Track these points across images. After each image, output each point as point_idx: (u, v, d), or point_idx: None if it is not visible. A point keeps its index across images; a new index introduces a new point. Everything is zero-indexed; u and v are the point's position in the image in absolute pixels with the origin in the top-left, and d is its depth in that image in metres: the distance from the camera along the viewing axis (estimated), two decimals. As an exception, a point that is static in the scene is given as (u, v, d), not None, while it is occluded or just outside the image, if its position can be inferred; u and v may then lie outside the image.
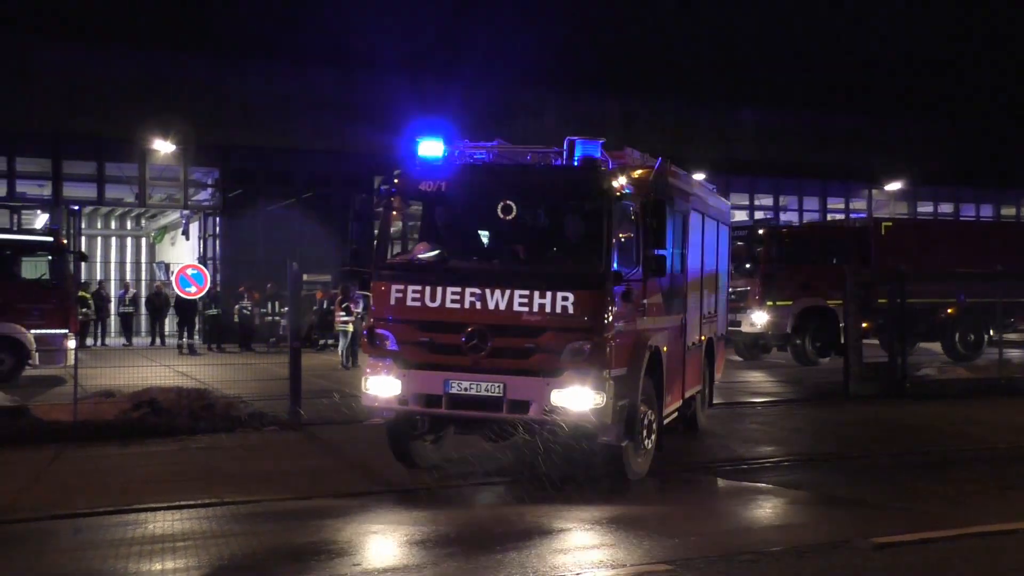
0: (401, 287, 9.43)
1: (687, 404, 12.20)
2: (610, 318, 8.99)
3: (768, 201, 40.91)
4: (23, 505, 8.65)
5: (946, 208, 44.96)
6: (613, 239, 9.12)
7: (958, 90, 47.78)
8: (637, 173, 9.90)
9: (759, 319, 23.53)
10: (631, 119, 36.04)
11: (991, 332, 24.09)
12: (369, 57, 34.58)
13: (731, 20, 40.90)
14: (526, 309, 9.02)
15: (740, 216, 38.92)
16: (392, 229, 10.79)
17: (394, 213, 10.11)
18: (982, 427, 13.93)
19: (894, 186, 41.46)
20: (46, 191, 31.00)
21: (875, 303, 22.44)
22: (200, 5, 38.87)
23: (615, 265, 9.08)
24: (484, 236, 10.74)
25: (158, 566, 6.89)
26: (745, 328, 23.77)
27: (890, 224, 25.84)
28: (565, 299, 8.92)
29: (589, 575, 6.62)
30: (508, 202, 9.40)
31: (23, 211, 31.51)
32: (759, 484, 9.97)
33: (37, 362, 18.45)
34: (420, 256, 10.01)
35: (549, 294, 8.97)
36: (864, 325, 22.41)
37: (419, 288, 9.33)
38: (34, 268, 19.34)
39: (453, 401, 9.22)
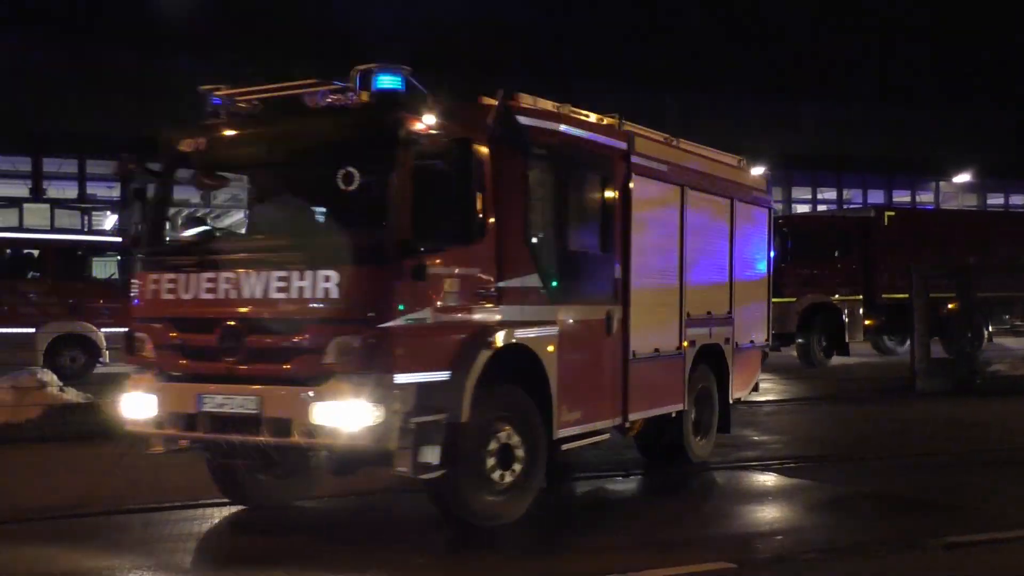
0: (156, 276, 7.55)
1: (660, 427, 9.96)
2: (398, 303, 6.71)
3: (831, 195, 40.37)
4: (96, 498, 8.80)
5: (1017, 200, 43.95)
6: (406, 196, 6.81)
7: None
8: (465, 113, 7.51)
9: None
10: (691, 113, 35.71)
11: (990, 327, 23.46)
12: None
13: (791, 11, 40.20)
14: (283, 296, 6.99)
15: (802, 210, 38.46)
16: (161, 203, 8.27)
17: (160, 184, 8.05)
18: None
19: (962, 178, 40.59)
20: (115, 193, 31.53)
21: (880, 299, 22.50)
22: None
23: (415, 232, 6.79)
24: (258, 205, 8.77)
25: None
26: None
27: (893, 214, 24.74)
28: (327, 279, 6.80)
29: (652, 573, 6.53)
30: (276, 158, 7.56)
31: (93, 212, 32.09)
32: (824, 482, 9.81)
33: (107, 360, 18.79)
34: (180, 236, 8.23)
35: (310, 275, 6.87)
36: (868, 322, 22.41)
37: (173, 277, 7.41)
38: (104, 268, 19.68)
39: (211, 421, 7.13)
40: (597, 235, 8.81)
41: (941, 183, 41.70)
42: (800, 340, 22.22)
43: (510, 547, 7.35)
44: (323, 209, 7.96)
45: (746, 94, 37.06)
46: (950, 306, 22.09)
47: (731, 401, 11.03)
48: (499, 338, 7.36)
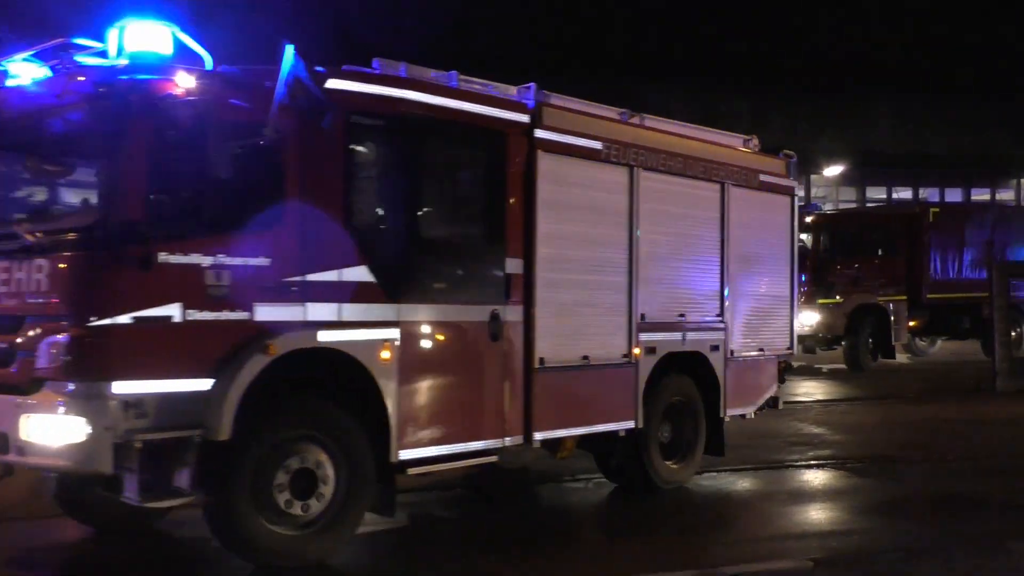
0: None
1: (611, 447, 8.48)
2: (117, 297, 5.56)
3: (907, 195, 39.55)
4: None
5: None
6: (132, 174, 5.63)
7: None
8: (245, 80, 6.18)
9: (809, 319, 20.60)
10: (762, 115, 35.33)
11: None
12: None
13: (859, 8, 39.53)
14: (3, 289, 5.99)
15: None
16: None
17: None
18: None
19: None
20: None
21: (925, 299, 21.61)
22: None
23: (147, 214, 5.63)
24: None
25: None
26: None
27: (938, 211, 23.35)
28: (40, 269, 5.76)
29: (732, 570, 6.52)
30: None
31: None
32: (904, 483, 9.68)
33: None
34: None
35: (26, 264, 5.84)
36: (912, 323, 21.55)
37: None
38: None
39: None
40: (477, 222, 7.40)
41: (1022, 180, 40.60)
42: (846, 343, 21.21)
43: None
44: (53, 189, 6.87)
45: (817, 94, 36.40)
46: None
47: (724, 418, 9.24)
48: (280, 342, 5.94)
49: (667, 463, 8.75)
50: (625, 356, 8.22)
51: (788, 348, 10.17)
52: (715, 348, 9.07)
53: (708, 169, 9.10)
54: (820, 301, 20.55)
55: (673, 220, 8.73)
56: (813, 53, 38.56)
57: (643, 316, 8.30)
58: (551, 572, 6.58)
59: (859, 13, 39.92)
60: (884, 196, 39.04)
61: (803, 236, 20.81)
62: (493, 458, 7.34)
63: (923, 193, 39.76)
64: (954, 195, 39.80)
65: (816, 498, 9.13)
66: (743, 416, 9.68)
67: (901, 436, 12.55)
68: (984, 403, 15.89)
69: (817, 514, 8.49)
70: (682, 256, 8.85)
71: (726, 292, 9.21)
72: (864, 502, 8.78)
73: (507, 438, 7.32)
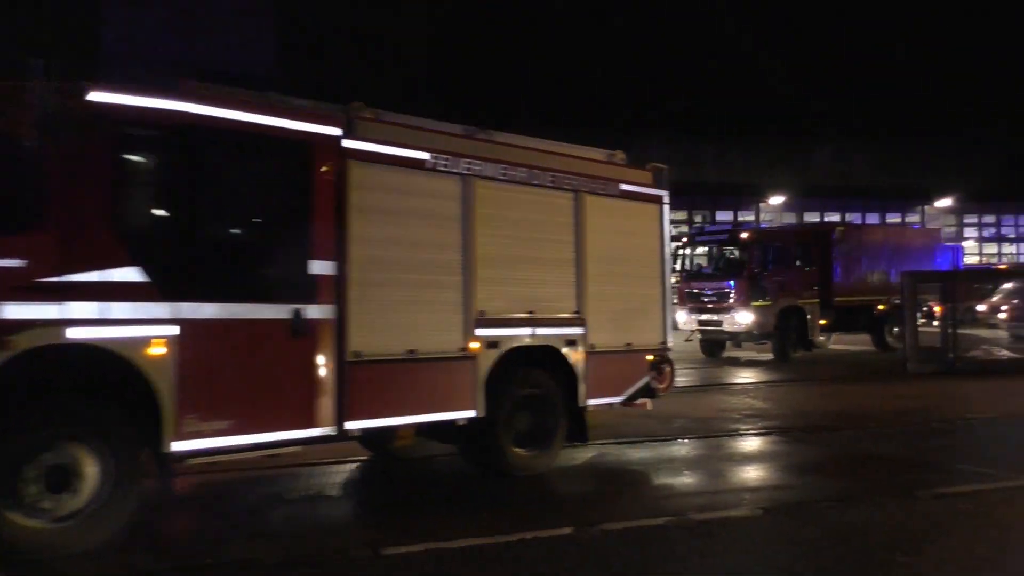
0: None
1: (458, 435, 7.58)
2: None
3: (836, 218, 39.25)
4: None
5: (989, 219, 42.23)
6: None
7: (1001, 115, 44.93)
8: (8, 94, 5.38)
9: (745, 318, 20.02)
10: (722, 156, 35.23)
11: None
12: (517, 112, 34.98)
13: (800, 66, 39.39)
14: None
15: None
16: None
17: None
18: (1021, 397, 13.00)
19: (944, 203, 39.21)
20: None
21: (832, 302, 21.23)
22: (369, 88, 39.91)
23: None
24: None
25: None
26: (728, 327, 20.33)
27: (843, 229, 23.12)
28: None
29: (698, 516, 6.44)
30: None
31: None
32: (832, 445, 9.56)
33: None
34: None
35: None
36: (822, 322, 21.05)
37: None
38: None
39: None
40: (275, 227, 6.42)
41: (926, 207, 40.28)
42: (775, 338, 20.39)
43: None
44: None
45: (767, 137, 36.30)
46: (880, 307, 22.04)
47: (584, 407, 8.19)
48: (21, 338, 5.08)
49: (520, 451, 7.74)
50: (462, 350, 7.26)
51: (661, 343, 8.97)
52: (571, 343, 8.11)
53: (559, 179, 8.12)
54: (755, 303, 20.04)
55: (519, 225, 7.77)
56: (761, 108, 38.46)
57: (483, 313, 7.39)
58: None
59: (800, 72, 39.71)
60: (818, 220, 38.74)
61: (736, 250, 21.13)
62: (296, 448, 6.38)
63: (848, 217, 39.50)
64: (872, 219, 39.52)
65: (762, 459, 9.03)
66: (611, 406, 8.55)
67: (831, 409, 12.41)
68: (897, 383, 15.71)
69: (764, 472, 8.39)
70: (531, 258, 7.84)
71: (584, 291, 8.22)
72: (802, 462, 8.67)
73: (315, 429, 6.34)
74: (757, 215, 36.99)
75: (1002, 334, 22.68)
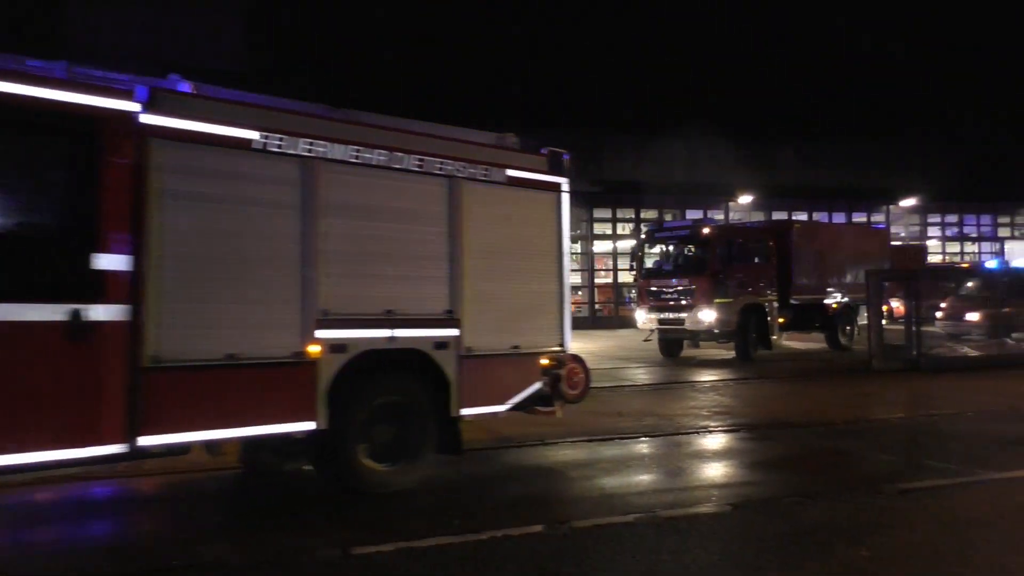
0: None
1: (300, 449, 6.93)
2: None
3: (803, 216, 39.73)
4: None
5: (952, 218, 43.00)
6: None
7: (964, 118, 45.87)
8: None
9: (707, 316, 19.35)
10: (693, 156, 35.47)
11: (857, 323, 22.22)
12: (488, 113, 35.19)
13: (766, 68, 39.86)
14: None
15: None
16: None
17: None
18: (984, 394, 13.24)
19: (908, 202, 39.84)
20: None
21: (791, 299, 20.83)
22: (354, 85, 39.79)
23: None
24: None
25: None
26: (690, 325, 19.62)
27: (801, 226, 22.82)
28: None
29: (666, 513, 6.48)
30: None
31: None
32: (801, 442, 9.66)
33: None
34: None
35: None
36: (780, 320, 20.56)
37: None
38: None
39: None
40: (42, 217, 5.49)
41: (891, 207, 40.89)
42: (737, 336, 19.66)
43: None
44: None
45: (737, 137, 36.59)
46: (833, 305, 21.80)
47: (458, 417, 7.25)
48: None
49: (376, 465, 6.87)
50: (297, 354, 6.34)
51: (558, 344, 8.02)
52: (442, 345, 7.16)
53: (428, 163, 7.19)
54: (717, 301, 19.31)
55: (377, 214, 6.86)
56: (730, 109, 38.84)
57: (326, 312, 6.48)
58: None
59: (768, 73, 40.11)
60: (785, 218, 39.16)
61: (697, 247, 20.27)
62: (73, 469, 5.65)
63: (815, 216, 39.96)
64: (839, 218, 40.03)
65: (730, 456, 9.11)
66: (494, 415, 7.69)
67: (797, 407, 12.56)
68: (861, 380, 15.93)
69: (732, 469, 8.46)
70: (391, 251, 6.93)
71: (459, 288, 7.28)
72: (769, 458, 8.76)
73: (99, 447, 5.43)
74: (727, 214, 37.32)
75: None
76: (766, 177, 36.15)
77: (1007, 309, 20.94)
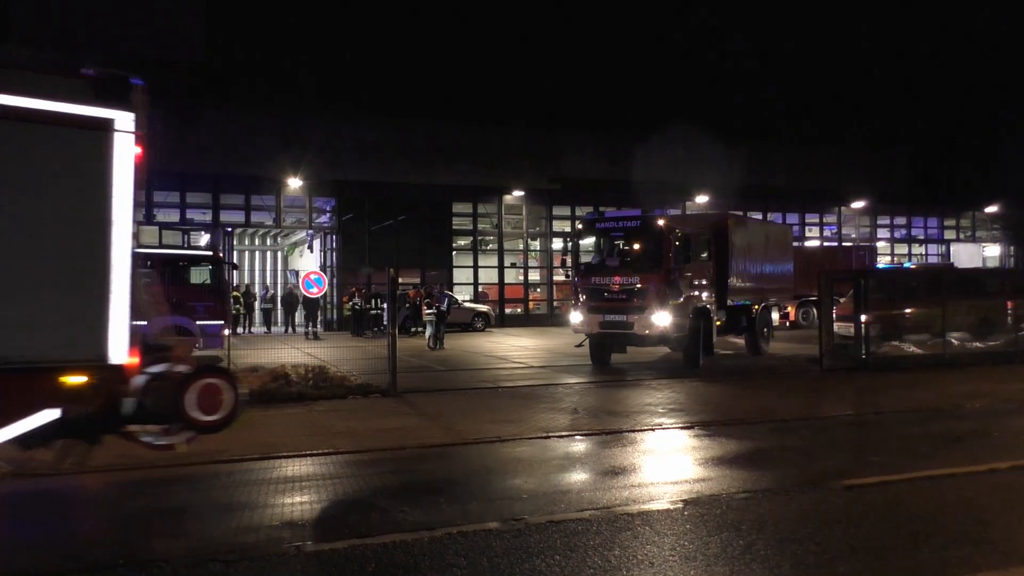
0: None
1: None
2: None
3: (758, 217, 40.35)
4: (193, 453, 8.78)
5: (900, 220, 43.97)
6: None
7: (913, 123, 46.98)
8: None
9: (663, 320, 16.43)
10: (653, 157, 35.77)
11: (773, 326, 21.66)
12: (451, 111, 35.13)
13: (726, 67, 40.39)
14: None
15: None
16: None
17: None
18: (928, 391, 13.56)
19: (858, 204, 40.65)
20: (208, 217, 31.73)
21: (727, 301, 18.81)
22: (320, 74, 39.38)
23: None
24: None
25: (290, 499, 6.97)
26: (640, 330, 16.55)
27: (732, 220, 19.95)
28: None
29: (622, 509, 6.52)
30: None
31: (191, 232, 32.29)
32: (753, 440, 9.79)
33: (202, 346, 18.86)
34: None
35: None
36: (718, 323, 18.48)
37: None
38: (199, 275, 19.76)
39: None
40: None
41: (842, 208, 41.67)
42: (688, 341, 17.12)
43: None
44: None
45: (694, 140, 36.95)
46: (756, 307, 20.42)
47: None
48: None
49: None
50: None
51: (96, 355, 5.75)
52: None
53: None
54: (672, 302, 16.74)
55: None
56: (688, 111, 39.21)
57: None
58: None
59: (723, 78, 40.56)
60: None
61: (643, 241, 17.27)
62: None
63: (769, 217, 40.57)
64: (792, 218, 40.69)
65: (683, 453, 9.19)
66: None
67: (750, 405, 12.73)
68: (813, 379, 16.20)
69: (684, 465, 8.55)
70: None
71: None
72: (721, 455, 8.85)
73: None
74: (683, 211, 37.73)
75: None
76: (722, 177, 36.58)
77: (898, 311, 21.13)
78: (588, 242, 18.71)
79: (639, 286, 16.79)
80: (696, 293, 17.60)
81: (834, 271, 20.66)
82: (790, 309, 23.50)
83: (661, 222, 17.20)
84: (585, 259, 18.18)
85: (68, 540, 5.93)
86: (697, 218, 24.53)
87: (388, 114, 35.77)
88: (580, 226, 18.66)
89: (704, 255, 18.27)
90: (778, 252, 22.34)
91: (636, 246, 17.59)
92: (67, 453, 6.63)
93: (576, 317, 17.61)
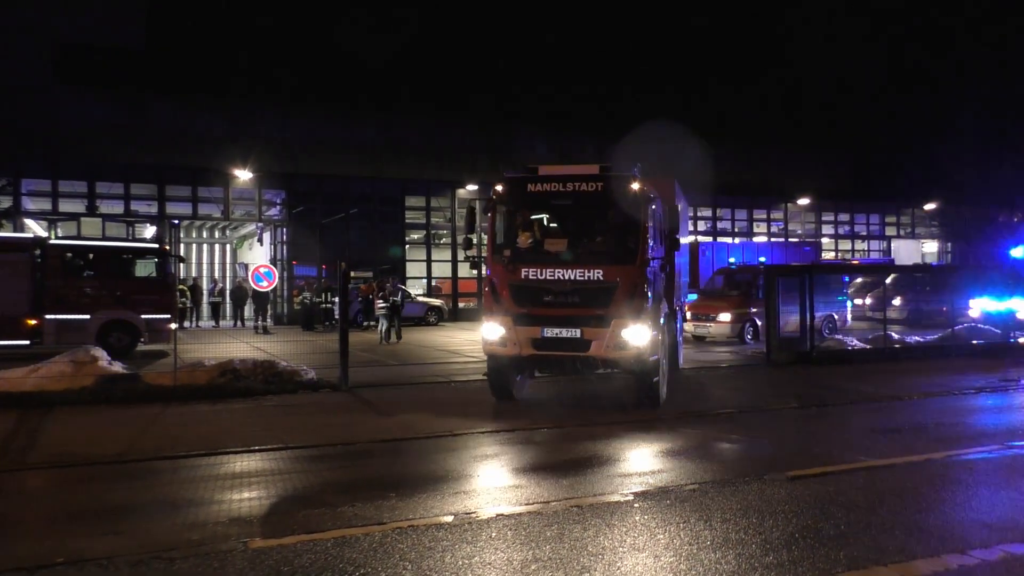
0: None
1: None
2: None
3: (707, 213, 40.89)
4: (137, 449, 8.63)
5: (844, 217, 45.01)
6: None
7: (856, 119, 48.15)
8: None
9: (639, 336, 10.69)
10: (606, 151, 36.00)
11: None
12: (399, 106, 34.95)
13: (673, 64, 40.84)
14: None
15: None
16: None
17: None
18: (869, 385, 13.91)
19: (803, 201, 41.51)
20: (153, 209, 31.04)
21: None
22: (268, 65, 38.79)
23: None
24: None
25: (237, 495, 6.87)
26: (602, 350, 10.73)
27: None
28: None
29: (573, 502, 6.56)
30: None
31: (135, 224, 31.55)
32: (698, 430, 9.94)
33: (147, 340, 18.50)
34: None
35: None
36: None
37: None
38: (144, 268, 19.35)
39: None
40: None
41: (788, 205, 42.50)
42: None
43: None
44: None
45: (647, 137, 37.31)
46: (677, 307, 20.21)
47: None
48: None
49: None
50: None
51: None
52: None
53: None
54: (651, 308, 11.18)
55: None
56: (637, 105, 39.52)
57: None
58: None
59: (671, 74, 40.93)
60: (692, 214, 40.16)
61: (610, 212, 11.19)
62: None
63: (719, 212, 41.17)
64: (741, 215, 41.37)
65: (635, 446, 9.29)
66: None
67: (699, 398, 12.89)
68: (759, 373, 16.50)
69: (637, 459, 8.64)
70: None
71: None
72: (670, 448, 8.97)
73: None
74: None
75: (856, 326, 24.02)
76: (672, 170, 36.94)
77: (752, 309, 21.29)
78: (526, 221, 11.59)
79: (603, 284, 10.80)
80: (664, 292, 12.40)
81: (778, 267, 21.00)
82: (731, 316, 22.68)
83: (637, 185, 11.04)
84: (513, 240, 11.39)
85: (4, 537, 5.76)
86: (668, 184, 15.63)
87: (339, 107, 35.30)
88: (500, 189, 11.45)
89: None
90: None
91: (596, 221, 11.37)
92: (4, 450, 6.50)
93: (492, 331, 11.09)
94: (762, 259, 31.99)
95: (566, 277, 10.92)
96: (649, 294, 11.02)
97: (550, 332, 10.95)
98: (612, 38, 49.03)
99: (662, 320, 11.76)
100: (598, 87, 41.23)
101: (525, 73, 40.56)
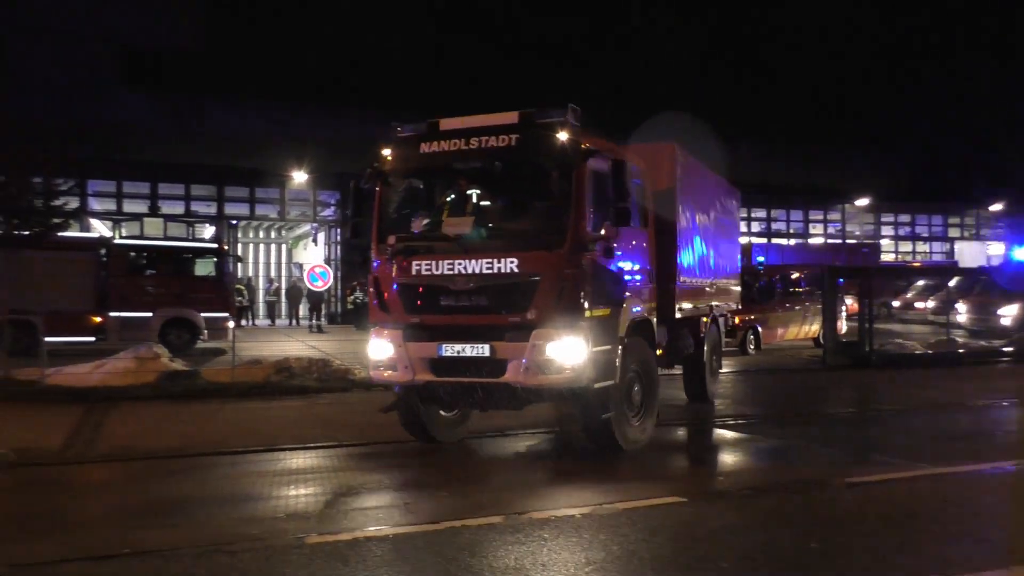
0: None
1: None
2: None
3: (762, 214, 40.28)
4: (196, 444, 8.82)
5: (904, 218, 43.92)
6: None
7: (919, 120, 46.95)
8: None
9: (573, 351, 7.42)
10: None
11: None
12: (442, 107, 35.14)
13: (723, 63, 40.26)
14: None
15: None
16: None
17: None
18: (931, 390, 13.54)
19: (861, 202, 40.56)
20: (212, 209, 31.74)
21: (675, 306, 11.32)
22: (328, 71, 39.36)
23: None
24: None
25: (293, 491, 6.97)
26: (521, 376, 7.46)
27: (684, 158, 10.55)
28: None
29: (623, 505, 6.51)
30: None
31: (195, 224, 32.31)
32: (756, 435, 9.78)
33: (206, 337, 18.92)
34: None
35: None
36: (658, 350, 14.16)
37: None
38: (204, 267, 19.81)
39: None
40: None
41: (846, 206, 41.60)
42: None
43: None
44: None
45: (697, 136, 36.89)
46: (705, 320, 18.59)
47: None
48: None
49: None
50: None
51: None
52: None
53: None
54: (595, 312, 7.94)
55: None
56: (688, 102, 39.15)
57: None
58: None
59: (722, 70, 40.40)
60: (745, 216, 39.68)
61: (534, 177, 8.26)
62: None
63: (773, 213, 40.50)
64: (796, 215, 40.64)
65: (685, 449, 9.20)
66: None
67: (752, 402, 12.71)
68: (816, 376, 16.20)
69: (686, 461, 8.54)
70: None
71: None
72: (723, 452, 8.85)
73: None
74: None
75: (918, 329, 23.43)
76: (723, 171, 36.44)
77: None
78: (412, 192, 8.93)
79: (519, 277, 7.61)
80: (628, 294, 8.47)
81: (838, 268, 20.58)
82: (737, 320, 17.60)
83: (565, 135, 7.69)
84: (404, 223, 8.41)
85: (72, 528, 5.94)
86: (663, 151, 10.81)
87: (391, 108, 35.72)
88: (387, 153, 8.58)
89: (642, 217, 9.22)
90: (730, 225, 14.21)
91: (512, 189, 8.18)
92: (71, 442, 6.73)
93: (378, 350, 8.21)
94: (761, 259, 30.88)
95: (469, 271, 7.70)
96: (590, 291, 7.61)
97: (449, 350, 7.83)
98: (660, 30, 48.53)
99: (622, 332, 8.14)
100: (647, 81, 40.88)
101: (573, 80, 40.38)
